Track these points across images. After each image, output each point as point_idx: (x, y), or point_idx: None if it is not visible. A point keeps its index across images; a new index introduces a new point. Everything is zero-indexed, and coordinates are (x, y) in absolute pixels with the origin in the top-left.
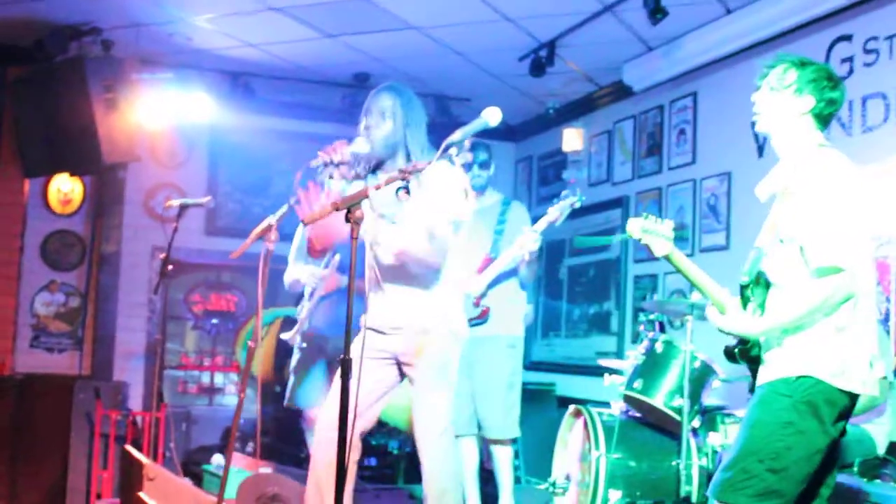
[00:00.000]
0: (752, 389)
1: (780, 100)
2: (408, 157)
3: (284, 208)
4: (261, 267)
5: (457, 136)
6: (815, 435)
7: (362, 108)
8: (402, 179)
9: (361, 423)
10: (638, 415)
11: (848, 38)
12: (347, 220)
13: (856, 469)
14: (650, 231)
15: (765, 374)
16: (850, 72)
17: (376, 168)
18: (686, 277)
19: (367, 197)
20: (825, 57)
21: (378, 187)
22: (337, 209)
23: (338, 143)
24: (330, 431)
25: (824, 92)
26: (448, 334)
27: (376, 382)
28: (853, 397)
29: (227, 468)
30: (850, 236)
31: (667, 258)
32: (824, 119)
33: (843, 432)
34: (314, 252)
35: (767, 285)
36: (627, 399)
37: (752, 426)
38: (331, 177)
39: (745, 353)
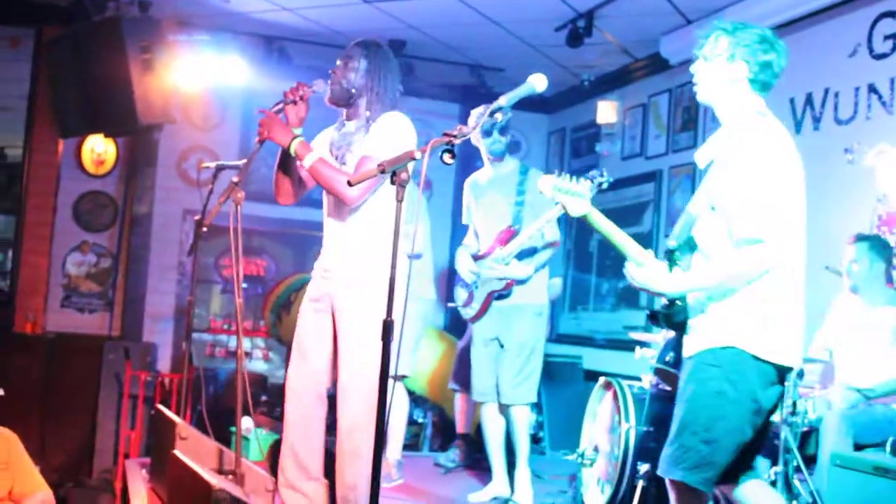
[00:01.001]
0: (677, 359)
1: (714, 68)
2: (366, 107)
3: (245, 166)
4: (231, 225)
5: (503, 101)
6: (746, 405)
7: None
8: (448, 143)
9: (324, 378)
10: (668, 388)
11: (892, 14)
12: (393, 182)
13: (888, 449)
14: (564, 190)
15: (692, 344)
16: (894, 48)
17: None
18: (607, 238)
19: (413, 159)
20: (868, 33)
21: (424, 150)
22: (383, 171)
23: (299, 83)
24: (299, 389)
25: (757, 56)
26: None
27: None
28: (781, 369)
29: (238, 430)
30: (776, 209)
31: (584, 218)
32: (762, 84)
33: (776, 404)
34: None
35: (695, 251)
36: (658, 373)
37: (686, 400)
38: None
39: (669, 318)
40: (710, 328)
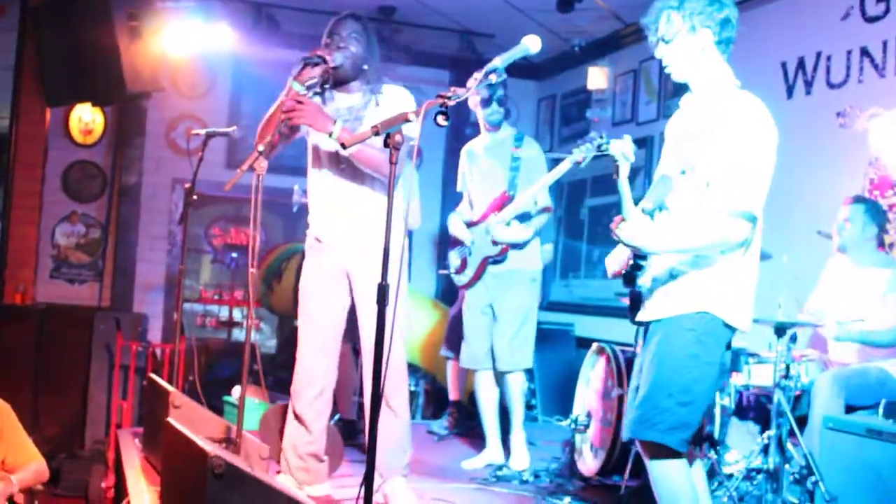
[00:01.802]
0: (634, 321)
1: (679, 46)
2: (367, 81)
3: (270, 137)
4: (253, 196)
5: (497, 62)
6: (716, 367)
7: (331, 29)
8: (441, 105)
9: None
10: None
11: None
12: (386, 144)
13: (880, 411)
14: (627, 157)
15: (662, 309)
16: (887, 11)
17: (333, 87)
18: (622, 199)
19: (407, 121)
20: None
21: (418, 113)
22: (377, 133)
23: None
24: (310, 362)
25: (714, 17)
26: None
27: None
28: (735, 334)
29: (242, 397)
30: (762, 183)
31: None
32: (727, 42)
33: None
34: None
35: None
36: None
37: (661, 362)
38: (311, 88)
39: (631, 279)
40: (684, 294)
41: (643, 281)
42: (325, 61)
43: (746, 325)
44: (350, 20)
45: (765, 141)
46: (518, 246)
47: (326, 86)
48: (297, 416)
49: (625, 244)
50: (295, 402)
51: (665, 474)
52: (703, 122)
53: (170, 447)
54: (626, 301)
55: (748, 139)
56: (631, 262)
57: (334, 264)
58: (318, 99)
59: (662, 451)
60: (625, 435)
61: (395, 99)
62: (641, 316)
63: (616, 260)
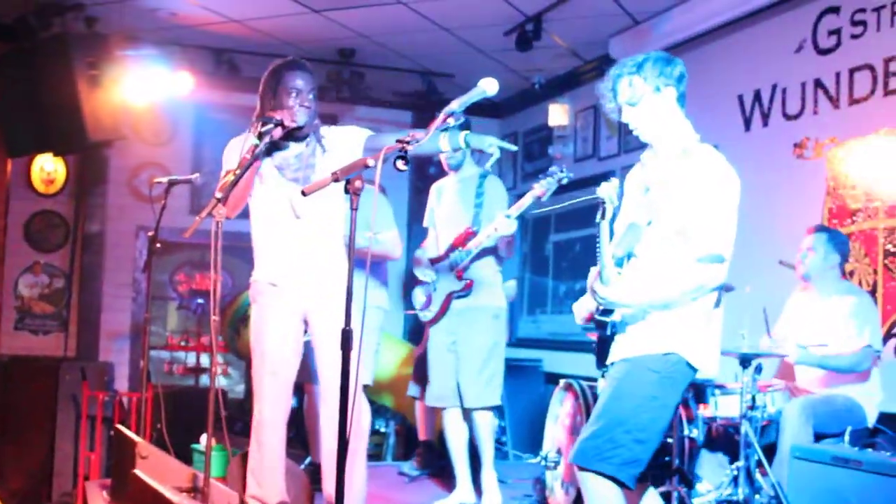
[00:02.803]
0: (599, 362)
1: (647, 107)
2: (313, 129)
3: (232, 183)
4: (213, 243)
5: (455, 105)
6: (672, 409)
7: (288, 81)
8: (401, 150)
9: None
10: None
11: (836, 9)
12: (347, 190)
13: (846, 438)
14: (611, 199)
15: (629, 349)
16: (838, 44)
17: (287, 137)
18: (601, 245)
19: (366, 167)
20: (812, 29)
21: (377, 158)
22: (336, 180)
23: (286, 111)
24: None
25: (672, 75)
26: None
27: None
28: (694, 373)
29: (209, 445)
30: (731, 230)
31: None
32: (683, 96)
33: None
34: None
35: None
36: None
37: (621, 398)
38: (267, 139)
39: (604, 324)
40: (653, 334)
41: (614, 318)
42: (282, 126)
43: (712, 370)
44: (308, 74)
45: (730, 190)
46: (482, 282)
47: (281, 140)
48: (255, 472)
49: (605, 303)
50: (256, 450)
51: (602, 499)
52: (667, 176)
53: (137, 499)
54: (592, 336)
55: (715, 189)
56: (600, 309)
57: (292, 308)
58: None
59: (608, 484)
60: (574, 459)
61: (338, 140)
62: (611, 359)
63: (583, 307)
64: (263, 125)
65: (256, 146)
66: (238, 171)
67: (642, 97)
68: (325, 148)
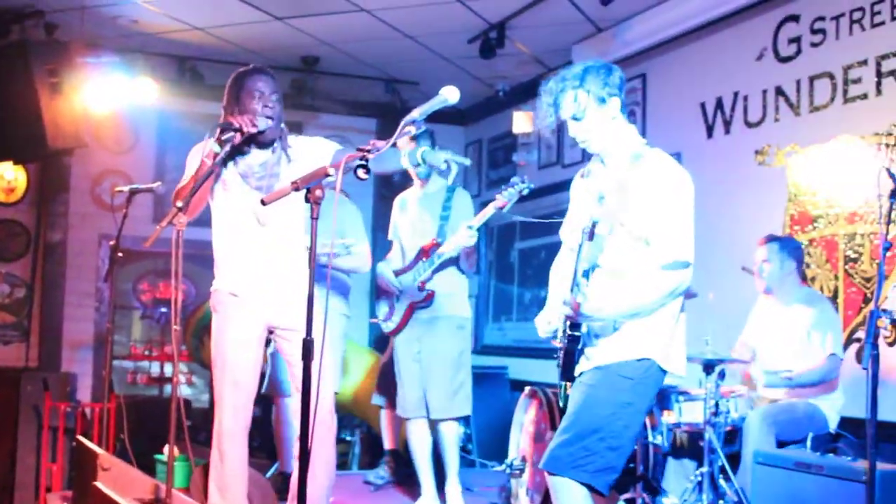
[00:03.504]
0: (566, 373)
1: (593, 120)
2: (278, 136)
3: (191, 192)
4: (174, 251)
5: (415, 114)
6: (643, 415)
7: (250, 86)
8: (362, 158)
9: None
10: None
11: (795, 18)
12: (307, 199)
13: (808, 444)
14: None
15: (600, 357)
16: (798, 52)
17: (250, 143)
18: (579, 261)
19: (327, 175)
20: (773, 37)
21: (337, 166)
22: (297, 189)
23: (246, 116)
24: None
25: (613, 84)
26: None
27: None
28: (664, 377)
29: (171, 457)
30: (691, 234)
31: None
32: (625, 103)
33: None
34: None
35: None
36: None
37: (594, 406)
38: (228, 146)
39: (575, 336)
40: (624, 342)
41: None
42: (241, 132)
43: (683, 370)
44: (270, 79)
45: (687, 194)
46: (445, 293)
47: (245, 147)
48: (218, 483)
49: (580, 319)
50: (218, 460)
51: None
52: (621, 183)
53: None
54: (556, 343)
55: (673, 195)
56: (569, 323)
57: (255, 317)
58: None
59: (582, 492)
60: (546, 466)
61: (306, 150)
62: (580, 369)
63: (546, 320)
64: (223, 132)
65: (217, 153)
66: (198, 179)
67: (586, 110)
68: (290, 157)
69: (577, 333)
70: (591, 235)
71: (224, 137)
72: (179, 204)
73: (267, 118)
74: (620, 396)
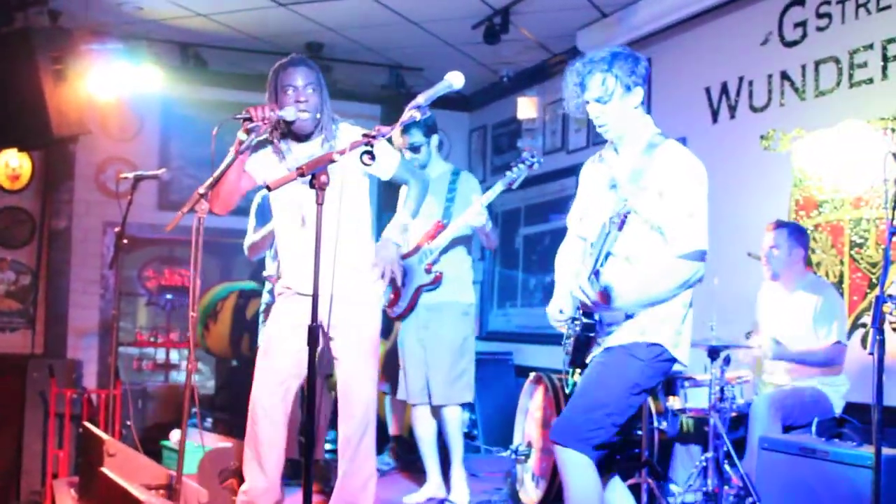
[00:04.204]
0: (577, 360)
1: (616, 106)
2: (323, 128)
3: (213, 178)
4: (193, 238)
5: (421, 99)
6: (645, 398)
7: (283, 80)
8: (367, 144)
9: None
10: None
11: (801, 2)
12: (312, 185)
13: (813, 429)
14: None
15: (614, 339)
16: (804, 36)
17: (288, 138)
18: (602, 250)
19: (332, 161)
20: (778, 21)
21: (343, 152)
22: (302, 175)
23: (266, 105)
24: (267, 398)
25: (639, 74)
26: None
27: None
28: (672, 366)
29: (182, 442)
30: (706, 223)
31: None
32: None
33: None
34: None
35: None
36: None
37: (605, 382)
38: (256, 136)
39: (590, 325)
40: (639, 326)
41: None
42: (250, 119)
43: (686, 359)
44: (304, 68)
45: (702, 184)
46: (452, 277)
47: (277, 138)
48: (257, 462)
49: (603, 309)
50: (251, 444)
51: (582, 475)
52: (636, 171)
53: (104, 497)
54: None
55: (688, 184)
56: (583, 311)
57: (304, 312)
58: (268, 149)
59: (583, 457)
60: (553, 435)
61: (354, 139)
62: (591, 356)
63: (557, 308)
64: (247, 121)
65: (242, 142)
66: (221, 167)
67: (613, 95)
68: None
69: (590, 321)
70: (622, 225)
71: (250, 126)
72: (201, 190)
73: (301, 111)
74: (631, 376)
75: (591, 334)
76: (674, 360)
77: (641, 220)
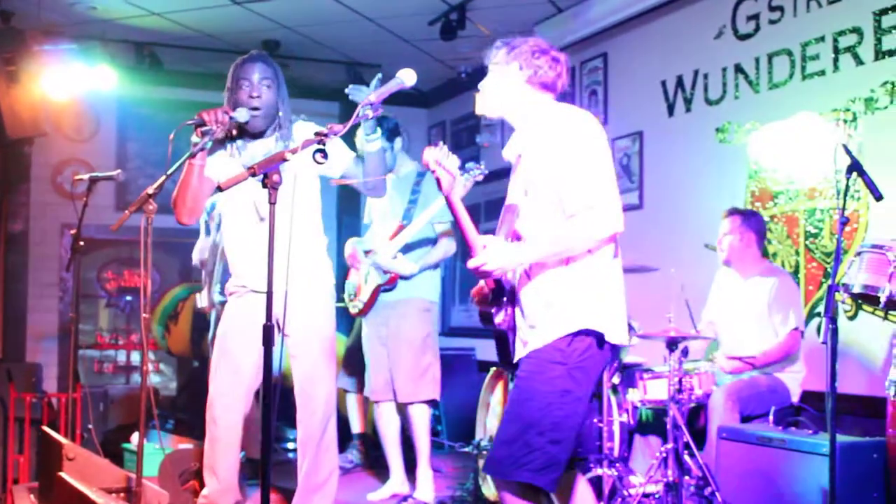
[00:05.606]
0: (504, 361)
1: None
2: (279, 126)
3: (163, 179)
4: (142, 239)
5: (372, 97)
6: (587, 399)
7: (239, 75)
8: (319, 143)
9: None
10: None
11: None
12: (264, 185)
13: (770, 418)
14: (438, 165)
15: (533, 340)
16: (757, 29)
17: (243, 135)
18: (459, 225)
19: (284, 160)
20: (732, 14)
21: (295, 151)
22: (254, 174)
23: (219, 109)
24: (226, 397)
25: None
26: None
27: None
28: (615, 348)
29: (141, 444)
30: (602, 180)
31: (447, 197)
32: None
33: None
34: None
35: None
36: None
37: (529, 399)
38: (210, 139)
39: (488, 317)
40: (557, 320)
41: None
42: (203, 123)
43: (624, 338)
44: (261, 64)
45: (591, 143)
46: (405, 277)
47: (231, 138)
48: (210, 464)
49: (494, 271)
50: (207, 445)
51: None
52: (528, 143)
53: (63, 502)
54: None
55: (575, 146)
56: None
57: (259, 310)
58: (223, 152)
59: (529, 491)
60: (487, 470)
61: (308, 136)
62: (517, 356)
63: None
64: (200, 125)
65: (196, 144)
66: (173, 168)
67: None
68: (293, 144)
69: (502, 298)
70: (440, 186)
71: (204, 129)
72: (150, 190)
73: (252, 109)
74: (555, 384)
75: (507, 328)
76: (609, 343)
77: (542, 192)
